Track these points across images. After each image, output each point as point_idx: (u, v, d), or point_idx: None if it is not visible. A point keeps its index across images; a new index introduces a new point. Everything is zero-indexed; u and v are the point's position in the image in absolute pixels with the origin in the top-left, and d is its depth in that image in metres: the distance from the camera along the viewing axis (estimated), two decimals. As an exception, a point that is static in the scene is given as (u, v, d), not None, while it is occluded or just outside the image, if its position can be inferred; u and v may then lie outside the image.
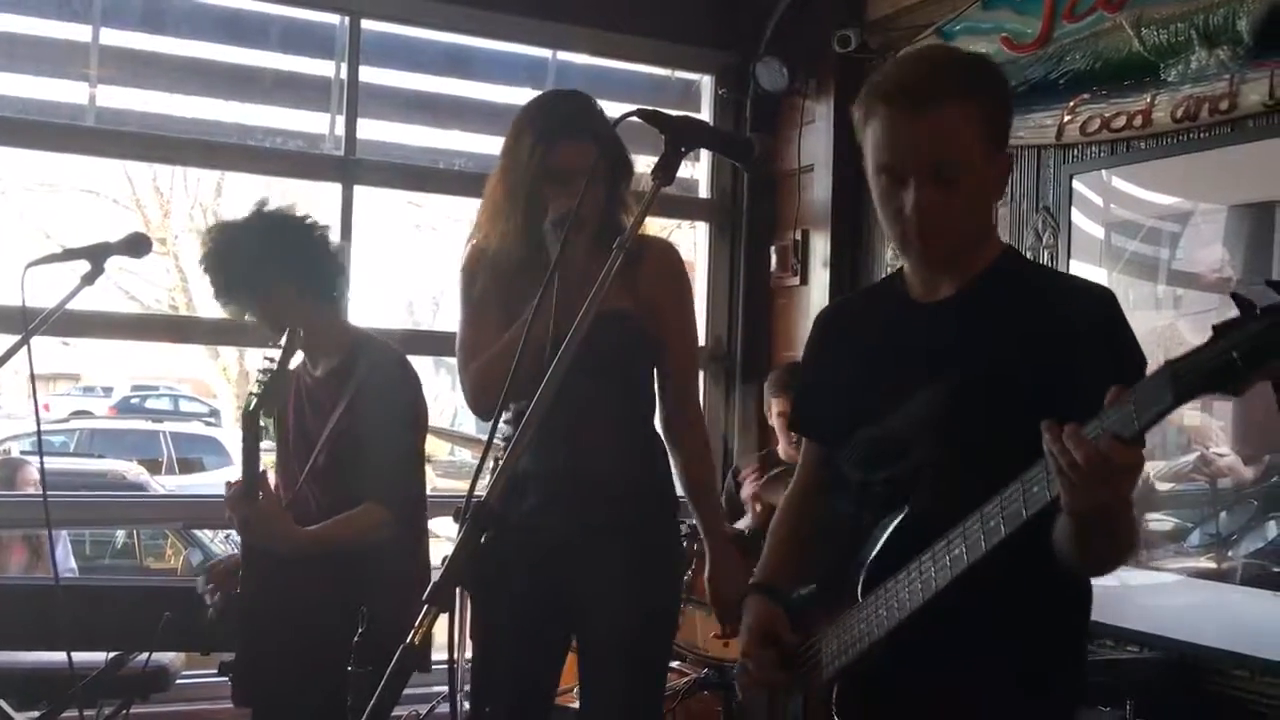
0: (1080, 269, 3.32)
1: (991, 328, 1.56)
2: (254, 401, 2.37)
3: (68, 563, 4.98)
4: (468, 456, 8.40)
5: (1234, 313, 1.15)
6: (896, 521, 1.56)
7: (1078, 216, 3.35)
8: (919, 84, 1.51)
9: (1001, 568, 1.40)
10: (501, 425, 2.18)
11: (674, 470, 2.35)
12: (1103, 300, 1.57)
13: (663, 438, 2.39)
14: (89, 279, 2.18)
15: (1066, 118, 3.29)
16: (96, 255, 2.19)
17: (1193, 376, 1.17)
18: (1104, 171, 3.28)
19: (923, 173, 1.51)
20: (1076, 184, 3.35)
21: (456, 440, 6.61)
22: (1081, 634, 1.65)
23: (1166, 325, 3.05)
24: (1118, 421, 1.24)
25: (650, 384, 2.33)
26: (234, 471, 2.68)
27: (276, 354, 2.40)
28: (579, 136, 2.19)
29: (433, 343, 4.38)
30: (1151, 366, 1.52)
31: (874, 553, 1.57)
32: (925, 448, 1.56)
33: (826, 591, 1.70)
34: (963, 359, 1.56)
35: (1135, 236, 3.20)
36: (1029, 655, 1.54)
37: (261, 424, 2.41)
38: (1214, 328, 1.16)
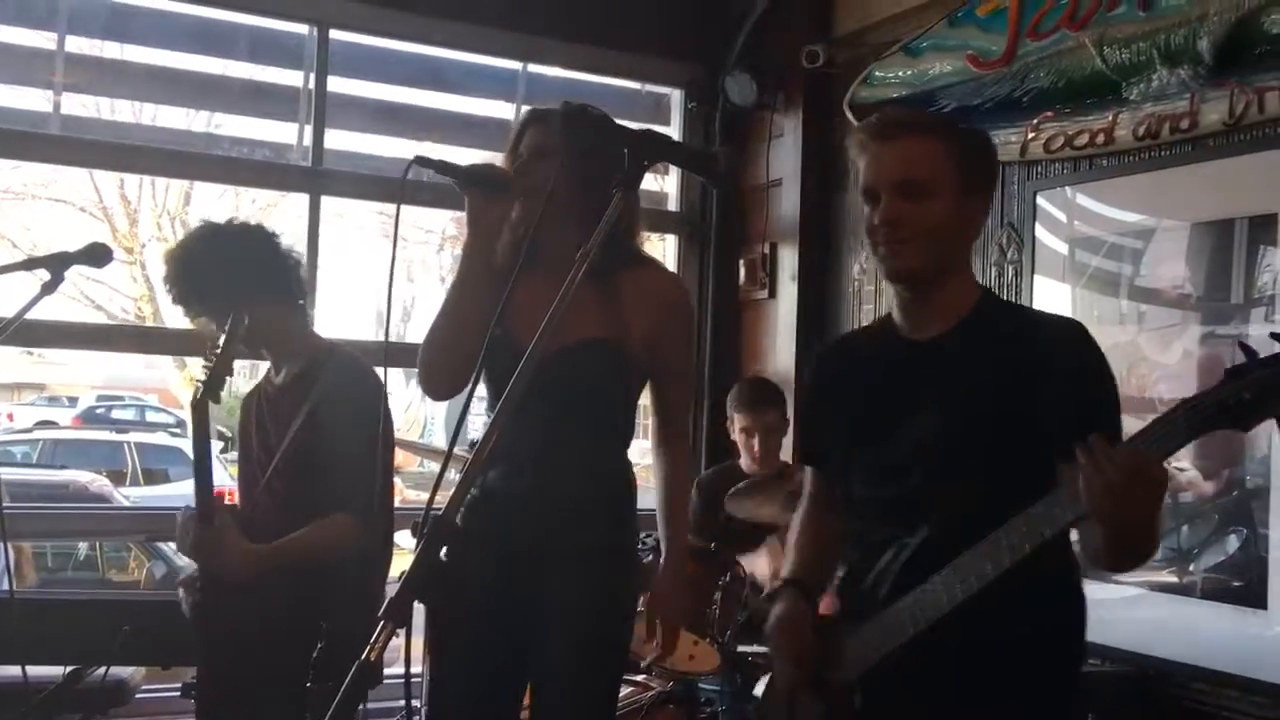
0: (1044, 285, 3.35)
1: (977, 364, 1.76)
2: (200, 390, 2.34)
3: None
4: (437, 468, 8.34)
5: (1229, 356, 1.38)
6: (919, 540, 1.74)
7: (1042, 232, 3.38)
8: (892, 119, 1.82)
9: (1010, 576, 1.60)
10: (470, 436, 2.16)
11: (656, 485, 2.35)
12: (1073, 332, 1.79)
13: (652, 457, 2.38)
14: (49, 288, 2.17)
15: (1030, 135, 3.32)
16: (56, 265, 2.18)
17: (1207, 412, 1.41)
18: (1068, 188, 3.32)
19: (890, 189, 1.75)
20: (1040, 200, 3.38)
21: (426, 453, 6.58)
22: (1080, 625, 1.81)
23: (1128, 341, 3.08)
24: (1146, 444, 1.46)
25: (626, 411, 2.29)
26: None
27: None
28: (533, 123, 2.25)
29: (403, 355, 4.33)
30: (1119, 383, 1.65)
31: (899, 566, 1.76)
32: (923, 471, 1.76)
33: (844, 598, 1.91)
34: (951, 392, 1.76)
35: (1098, 253, 3.23)
36: (1031, 639, 1.70)
37: (221, 430, 2.38)
38: (1226, 371, 1.40)
